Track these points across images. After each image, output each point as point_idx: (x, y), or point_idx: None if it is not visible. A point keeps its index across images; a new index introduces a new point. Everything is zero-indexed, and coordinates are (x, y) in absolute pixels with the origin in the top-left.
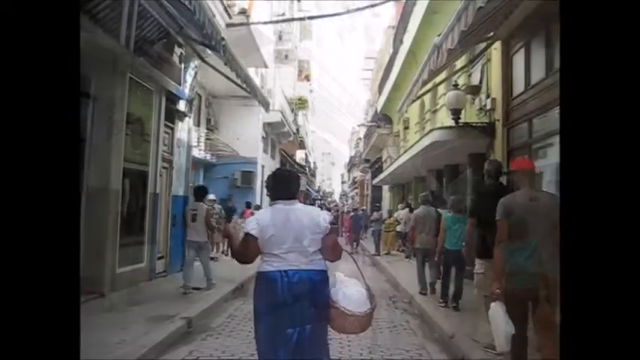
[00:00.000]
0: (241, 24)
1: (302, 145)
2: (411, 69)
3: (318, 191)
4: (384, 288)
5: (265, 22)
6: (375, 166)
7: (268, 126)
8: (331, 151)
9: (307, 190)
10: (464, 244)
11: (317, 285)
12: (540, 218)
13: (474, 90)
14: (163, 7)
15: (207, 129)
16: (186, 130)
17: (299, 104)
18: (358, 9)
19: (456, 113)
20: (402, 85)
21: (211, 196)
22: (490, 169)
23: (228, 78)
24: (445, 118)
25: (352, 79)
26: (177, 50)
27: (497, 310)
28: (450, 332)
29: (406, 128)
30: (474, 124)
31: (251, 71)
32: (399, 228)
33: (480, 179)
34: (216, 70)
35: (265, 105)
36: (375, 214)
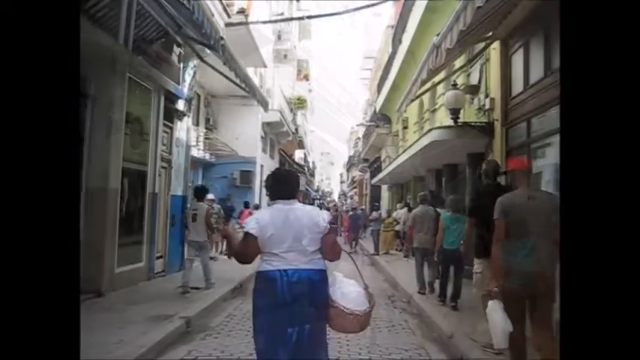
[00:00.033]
0: (240, 23)
1: (301, 145)
2: (410, 68)
3: (317, 191)
4: (383, 287)
5: (264, 22)
6: (374, 166)
7: (267, 125)
8: (330, 150)
9: (306, 189)
10: (462, 242)
11: (316, 284)
12: (538, 217)
13: (473, 90)
14: (162, 6)
15: (206, 128)
16: (185, 129)
17: (298, 104)
18: (357, 8)
19: (454, 113)
20: (400, 85)
21: (210, 196)
22: (487, 169)
23: (227, 77)
24: (444, 118)
25: (351, 79)
26: (176, 50)
27: (495, 308)
28: (448, 332)
29: (405, 128)
30: (472, 124)
31: (250, 71)
32: (397, 227)
33: (478, 179)
34: (215, 69)
35: (264, 104)
36: (374, 214)
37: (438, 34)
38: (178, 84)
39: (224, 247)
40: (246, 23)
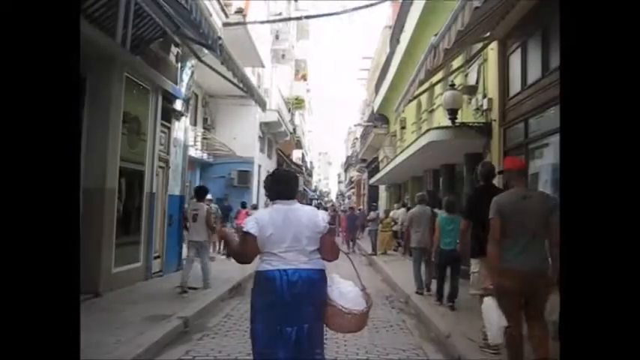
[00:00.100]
0: (238, 23)
1: (299, 145)
2: (408, 69)
3: (314, 191)
4: (381, 288)
5: (262, 22)
6: (372, 166)
7: (265, 125)
8: (328, 150)
9: (304, 189)
10: (458, 241)
11: (316, 284)
12: (532, 216)
13: (471, 90)
14: (160, 6)
15: (204, 128)
16: (182, 129)
17: (296, 104)
18: (355, 9)
19: (452, 113)
20: (398, 85)
21: (208, 196)
22: (482, 171)
23: (224, 77)
24: (442, 118)
25: (349, 79)
26: (174, 49)
27: (490, 304)
28: (446, 332)
29: (403, 128)
30: (470, 124)
31: (248, 71)
32: (395, 228)
33: (475, 180)
34: (213, 69)
35: (262, 104)
36: (372, 214)
37: (435, 35)
38: (176, 84)
39: (222, 247)
40: (244, 23)
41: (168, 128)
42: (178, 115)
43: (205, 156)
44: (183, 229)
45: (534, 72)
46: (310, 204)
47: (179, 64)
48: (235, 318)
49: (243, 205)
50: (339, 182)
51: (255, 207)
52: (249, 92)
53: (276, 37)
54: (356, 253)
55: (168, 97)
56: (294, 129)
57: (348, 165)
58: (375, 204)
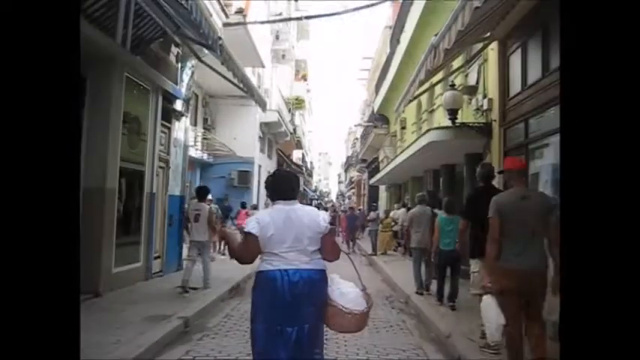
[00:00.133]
0: (238, 23)
1: (299, 145)
2: (408, 69)
3: (315, 191)
4: (381, 288)
5: (262, 22)
6: (372, 166)
7: (265, 126)
8: (328, 150)
9: (304, 189)
10: (457, 241)
11: (317, 284)
12: (530, 216)
13: (471, 90)
14: (160, 6)
15: (204, 128)
16: (182, 129)
17: (296, 104)
18: (355, 9)
19: (452, 113)
20: (398, 85)
21: (208, 196)
22: (482, 172)
23: (225, 78)
24: (442, 119)
25: (349, 79)
26: (174, 50)
27: (488, 302)
28: (446, 332)
29: (403, 128)
30: (470, 125)
31: (248, 71)
32: (395, 228)
33: (475, 180)
34: (213, 69)
35: (262, 105)
36: (372, 214)
37: (436, 35)
38: (176, 84)
39: (222, 247)
40: (245, 23)
41: (169, 128)
42: (178, 115)
43: (205, 156)
44: (185, 229)
45: (534, 72)
46: (310, 204)
47: (179, 65)
48: (235, 318)
49: (243, 206)
50: (340, 182)
51: (255, 207)
52: (250, 92)
53: (277, 38)
54: (356, 253)
55: (169, 98)
56: (295, 129)
57: (348, 165)
58: (375, 204)
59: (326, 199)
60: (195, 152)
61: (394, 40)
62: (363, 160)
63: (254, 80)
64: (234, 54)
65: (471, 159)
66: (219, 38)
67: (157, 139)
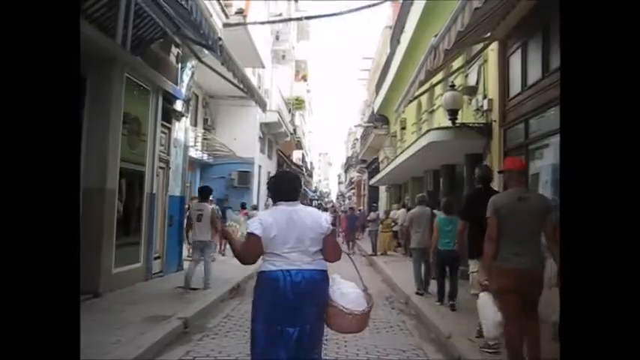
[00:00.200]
0: (238, 24)
1: (299, 145)
2: (408, 69)
3: (315, 191)
4: (381, 288)
5: (262, 22)
6: (372, 167)
7: (265, 126)
8: (328, 151)
9: (304, 190)
10: (456, 241)
11: (319, 284)
12: (528, 217)
13: (471, 91)
14: (160, 6)
15: (204, 129)
16: (183, 130)
17: (296, 104)
18: (356, 9)
19: (452, 114)
20: (398, 86)
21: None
22: (480, 174)
23: (225, 78)
24: (442, 119)
25: (349, 80)
26: (174, 50)
27: (485, 300)
28: (446, 332)
29: (403, 129)
30: (470, 125)
31: (248, 71)
32: (395, 228)
33: (474, 181)
34: (213, 70)
35: (262, 105)
36: (372, 215)
37: (436, 35)
38: (176, 84)
39: (223, 247)
40: (245, 24)
41: (169, 129)
42: (179, 115)
43: (205, 156)
44: (187, 228)
45: (534, 73)
46: (310, 204)
47: (179, 65)
48: (235, 319)
49: (243, 206)
50: (340, 183)
51: (255, 207)
52: (250, 93)
53: (277, 38)
54: (356, 253)
55: (169, 98)
56: (295, 129)
57: (348, 166)
58: (375, 204)
59: (326, 199)
60: (195, 153)
61: (394, 41)
62: (363, 161)
63: (254, 81)
64: (234, 54)
65: (471, 159)
66: (219, 39)
67: (157, 139)
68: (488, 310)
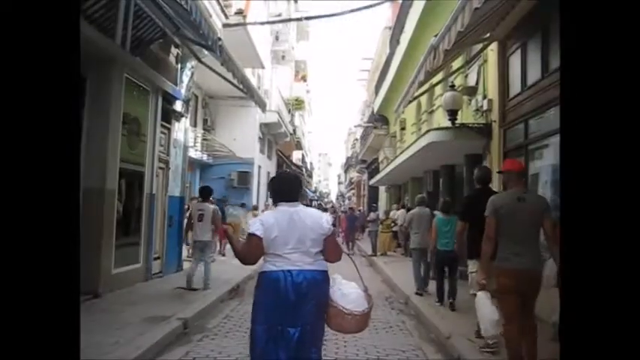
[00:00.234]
0: (238, 24)
1: (299, 146)
2: (408, 70)
3: (314, 192)
4: (381, 288)
5: (262, 23)
6: (372, 167)
7: (265, 126)
8: (328, 151)
9: (304, 190)
10: (454, 241)
11: (320, 284)
12: (527, 217)
13: (471, 91)
14: (160, 7)
15: (204, 129)
16: (182, 130)
17: (296, 105)
18: (355, 9)
19: (452, 114)
20: (398, 86)
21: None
22: (479, 175)
23: (224, 78)
24: (442, 119)
25: (349, 80)
26: (174, 50)
27: (483, 298)
28: (446, 333)
29: (403, 129)
30: (470, 125)
31: (248, 72)
32: (395, 228)
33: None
34: (213, 70)
35: (262, 106)
36: (372, 215)
37: (435, 35)
38: (176, 85)
39: (222, 247)
40: (244, 24)
41: (168, 129)
42: (178, 116)
43: (205, 157)
44: (187, 229)
45: (534, 73)
46: (310, 205)
47: (179, 65)
48: (235, 319)
49: (243, 207)
50: (339, 183)
51: (255, 208)
52: (249, 93)
53: (276, 38)
54: (355, 253)
55: (168, 98)
56: (294, 130)
57: (348, 166)
58: (375, 205)
59: (326, 199)
60: (194, 153)
61: (394, 41)
62: (363, 161)
63: (254, 81)
64: (234, 55)
65: (470, 160)
66: (219, 39)
67: (157, 139)
68: (485, 309)
